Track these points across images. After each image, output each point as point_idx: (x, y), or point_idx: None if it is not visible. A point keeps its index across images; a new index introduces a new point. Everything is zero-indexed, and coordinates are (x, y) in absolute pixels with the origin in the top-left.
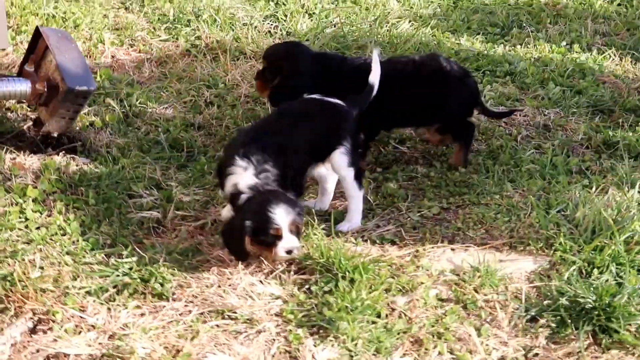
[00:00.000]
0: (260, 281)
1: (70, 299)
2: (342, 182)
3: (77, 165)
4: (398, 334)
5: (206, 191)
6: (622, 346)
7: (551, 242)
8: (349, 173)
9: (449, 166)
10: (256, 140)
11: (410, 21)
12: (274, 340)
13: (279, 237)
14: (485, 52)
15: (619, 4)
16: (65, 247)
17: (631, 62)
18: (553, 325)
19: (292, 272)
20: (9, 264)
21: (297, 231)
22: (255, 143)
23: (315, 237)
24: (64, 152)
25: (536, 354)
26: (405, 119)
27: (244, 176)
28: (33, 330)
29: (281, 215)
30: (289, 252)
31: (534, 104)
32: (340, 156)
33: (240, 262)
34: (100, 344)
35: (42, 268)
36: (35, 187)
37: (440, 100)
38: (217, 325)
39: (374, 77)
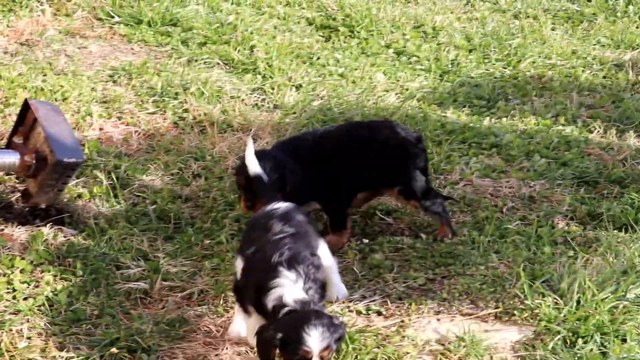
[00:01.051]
0: (247, 351)
1: None
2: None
3: (65, 237)
4: None
5: (193, 262)
6: None
7: (536, 312)
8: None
9: (435, 237)
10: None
11: (396, 94)
12: None
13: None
14: (472, 124)
15: (604, 77)
16: (52, 317)
17: (616, 134)
18: None
19: None
20: None
21: (328, 357)
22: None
23: None
24: (52, 223)
25: None
26: (366, 182)
27: (292, 289)
28: None
29: (315, 340)
30: None
31: (519, 176)
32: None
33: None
34: None
35: (29, 338)
36: (23, 259)
37: (396, 162)
38: None
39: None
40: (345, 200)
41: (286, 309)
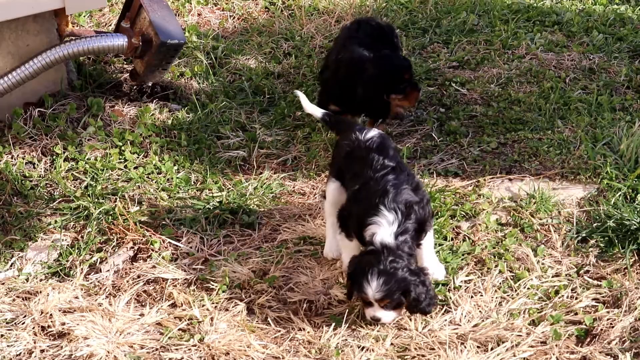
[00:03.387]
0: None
1: (166, 230)
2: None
3: (169, 111)
4: (463, 255)
5: (287, 132)
6: None
7: (598, 171)
8: None
9: (506, 105)
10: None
11: None
12: None
13: (368, 303)
14: (535, 4)
15: None
16: (160, 184)
17: None
18: (602, 245)
19: None
20: (110, 200)
21: (391, 307)
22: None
23: None
24: (157, 99)
25: (587, 271)
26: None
27: (385, 231)
28: (134, 259)
29: (372, 288)
30: (375, 319)
31: (580, 50)
32: None
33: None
34: (194, 269)
35: (140, 203)
36: (133, 132)
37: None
38: (299, 251)
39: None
40: None
41: (370, 248)
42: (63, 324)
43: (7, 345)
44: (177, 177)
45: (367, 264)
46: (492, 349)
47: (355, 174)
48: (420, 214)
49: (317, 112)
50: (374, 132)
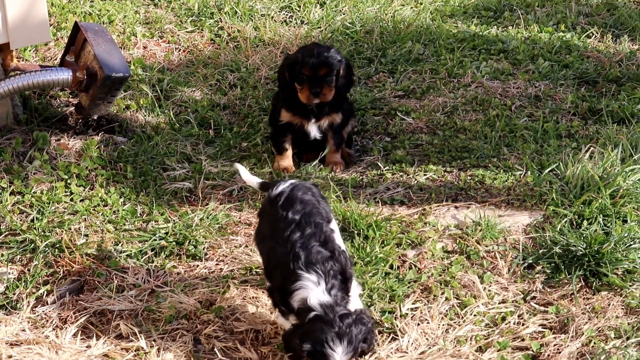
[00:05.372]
0: None
1: (113, 262)
2: None
3: (115, 144)
4: (409, 282)
5: (232, 163)
6: (611, 288)
7: (544, 198)
8: None
9: (451, 134)
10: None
11: (411, 7)
12: None
13: None
14: (481, 33)
15: None
16: (107, 216)
17: (612, 38)
18: (548, 271)
19: None
20: (57, 233)
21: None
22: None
23: (332, 200)
24: (103, 132)
25: (534, 297)
26: None
27: (315, 292)
28: (80, 291)
29: (339, 354)
30: None
31: (525, 77)
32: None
33: None
34: (141, 300)
35: (87, 235)
36: (79, 164)
37: None
38: (245, 281)
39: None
40: None
41: (312, 313)
42: (10, 357)
43: None
44: (123, 209)
45: (320, 332)
46: None
47: (263, 237)
48: (336, 266)
49: (253, 181)
50: (284, 185)
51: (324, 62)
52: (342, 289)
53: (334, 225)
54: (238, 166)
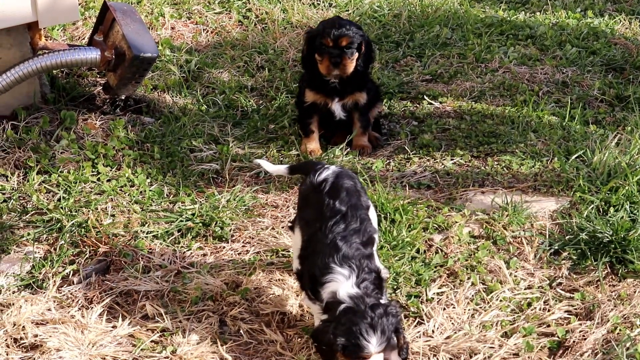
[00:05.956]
0: None
1: (139, 242)
2: None
3: (142, 125)
4: (435, 267)
5: (259, 145)
6: (637, 275)
7: (571, 184)
8: None
9: (478, 118)
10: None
11: None
12: None
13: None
14: (508, 18)
15: None
16: (133, 196)
17: (639, 25)
18: (574, 257)
19: None
20: (84, 213)
21: (390, 350)
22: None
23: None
24: (130, 112)
25: (559, 283)
26: None
27: (344, 285)
28: (107, 271)
29: (373, 344)
30: None
31: (553, 63)
32: None
33: None
34: (167, 281)
35: (113, 216)
36: (106, 144)
37: None
38: (272, 263)
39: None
40: None
41: (342, 306)
42: (36, 336)
43: None
44: (150, 190)
45: (353, 324)
46: None
47: (307, 222)
48: (372, 265)
49: (280, 168)
50: (327, 172)
51: (345, 33)
52: (374, 284)
53: (372, 212)
54: (259, 161)
